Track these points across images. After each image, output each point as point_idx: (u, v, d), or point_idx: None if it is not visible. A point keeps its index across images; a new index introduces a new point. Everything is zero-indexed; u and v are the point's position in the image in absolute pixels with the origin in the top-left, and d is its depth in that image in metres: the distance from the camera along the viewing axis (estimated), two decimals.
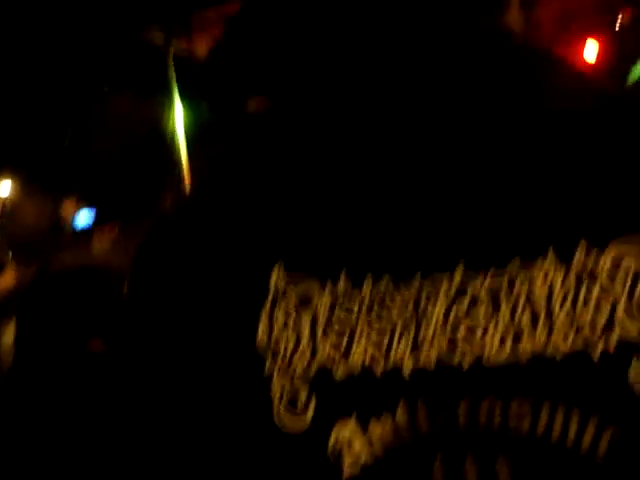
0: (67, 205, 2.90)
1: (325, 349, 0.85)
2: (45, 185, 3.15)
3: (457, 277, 0.83)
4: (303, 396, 0.85)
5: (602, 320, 0.80)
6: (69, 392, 2.05)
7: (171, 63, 7.94)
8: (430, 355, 0.83)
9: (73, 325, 2.27)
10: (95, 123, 2.04)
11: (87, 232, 2.78)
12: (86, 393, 1.95)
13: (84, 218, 3.13)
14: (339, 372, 0.85)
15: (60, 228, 2.90)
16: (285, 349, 0.86)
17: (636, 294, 0.80)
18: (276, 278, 0.87)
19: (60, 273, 2.61)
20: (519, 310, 0.82)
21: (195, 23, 7.55)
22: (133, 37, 7.72)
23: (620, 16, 6.25)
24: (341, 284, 0.85)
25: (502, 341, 0.82)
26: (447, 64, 0.90)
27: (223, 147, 1.00)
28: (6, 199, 3.81)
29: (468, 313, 0.83)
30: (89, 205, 2.55)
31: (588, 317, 0.81)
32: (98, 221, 2.57)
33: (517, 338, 0.82)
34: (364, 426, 0.83)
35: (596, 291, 0.81)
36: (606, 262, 0.81)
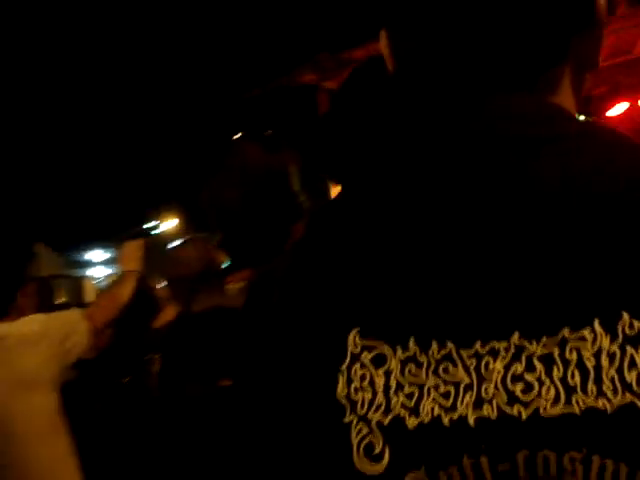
0: (218, 249, 3.05)
1: (398, 402, 0.93)
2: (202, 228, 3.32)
3: (513, 345, 0.91)
4: (379, 443, 0.93)
5: None
6: (201, 423, 2.18)
7: (320, 103, 8.12)
8: (492, 407, 0.90)
9: (207, 361, 2.41)
10: (228, 172, 2.15)
11: (222, 276, 2.94)
12: (216, 425, 2.08)
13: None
14: (411, 422, 0.92)
15: (210, 271, 3.06)
16: (362, 401, 0.94)
17: None
18: (352, 341, 0.96)
19: (198, 314, 2.77)
20: (570, 371, 0.89)
21: (344, 62, 7.70)
22: (283, 79, 7.92)
23: None
24: (410, 348, 0.94)
25: (557, 395, 0.89)
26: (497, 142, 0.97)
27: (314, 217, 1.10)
28: (171, 238, 3.99)
29: (524, 374, 0.90)
30: (226, 251, 2.69)
31: (635, 374, 0.87)
32: (231, 266, 2.71)
33: (570, 392, 0.88)
34: (433, 472, 0.91)
35: None
36: None
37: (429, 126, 1.00)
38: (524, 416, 0.89)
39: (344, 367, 0.96)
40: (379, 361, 0.95)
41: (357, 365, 0.95)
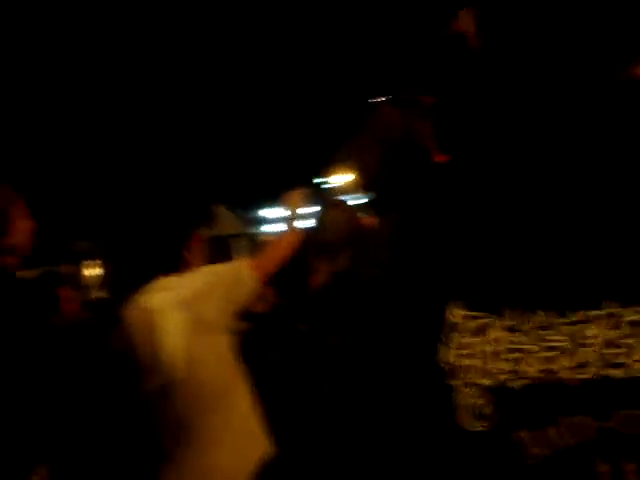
0: (367, 214, 3.10)
1: (500, 366, 1.00)
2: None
3: (603, 313, 0.97)
4: (486, 403, 1.00)
5: None
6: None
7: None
8: (589, 370, 0.97)
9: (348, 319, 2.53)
10: (367, 134, 2.22)
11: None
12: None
13: None
14: (514, 385, 0.99)
15: (355, 237, 3.12)
16: (464, 366, 1.01)
17: None
18: (454, 312, 1.03)
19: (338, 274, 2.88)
20: None
21: None
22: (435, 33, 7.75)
23: None
24: (507, 317, 1.00)
25: None
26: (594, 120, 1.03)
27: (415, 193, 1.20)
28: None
29: (616, 338, 0.96)
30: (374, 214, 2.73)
31: None
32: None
33: None
34: (536, 429, 0.98)
35: None
36: None
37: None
38: (619, 377, 0.95)
39: (446, 335, 1.03)
40: (479, 330, 1.02)
41: (459, 333, 1.02)
